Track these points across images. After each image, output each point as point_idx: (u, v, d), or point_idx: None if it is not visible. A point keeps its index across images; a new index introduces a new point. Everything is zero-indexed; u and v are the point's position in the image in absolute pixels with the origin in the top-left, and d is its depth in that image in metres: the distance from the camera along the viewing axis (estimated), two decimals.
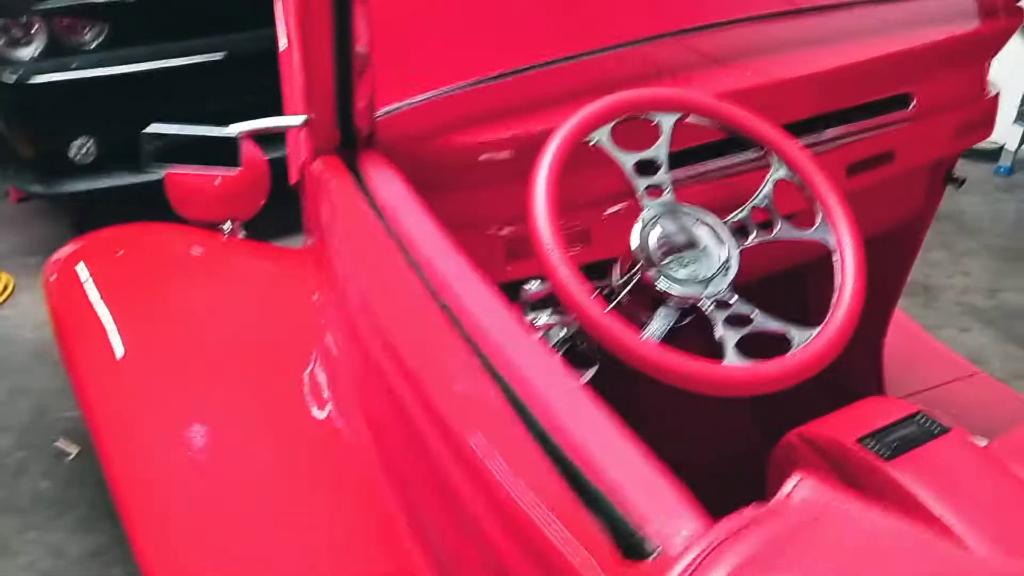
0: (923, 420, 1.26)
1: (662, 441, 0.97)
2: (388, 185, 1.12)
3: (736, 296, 1.12)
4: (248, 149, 1.31)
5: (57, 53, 3.15)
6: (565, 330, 1.23)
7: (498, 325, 0.87)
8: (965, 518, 1.07)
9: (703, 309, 1.11)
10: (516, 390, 0.81)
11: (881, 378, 2.10)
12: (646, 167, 1.17)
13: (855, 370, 1.95)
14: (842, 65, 1.41)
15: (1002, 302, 3.20)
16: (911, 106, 1.52)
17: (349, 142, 1.18)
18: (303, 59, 1.13)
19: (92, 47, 3.20)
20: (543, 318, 1.19)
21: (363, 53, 1.12)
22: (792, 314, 1.15)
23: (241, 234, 1.83)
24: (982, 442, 1.21)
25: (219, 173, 1.26)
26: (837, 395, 1.57)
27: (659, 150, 1.18)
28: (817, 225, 1.18)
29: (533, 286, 1.17)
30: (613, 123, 1.16)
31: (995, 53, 1.60)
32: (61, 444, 2.41)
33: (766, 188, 1.20)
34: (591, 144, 1.15)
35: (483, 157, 1.24)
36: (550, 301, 1.18)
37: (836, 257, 1.15)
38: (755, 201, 1.20)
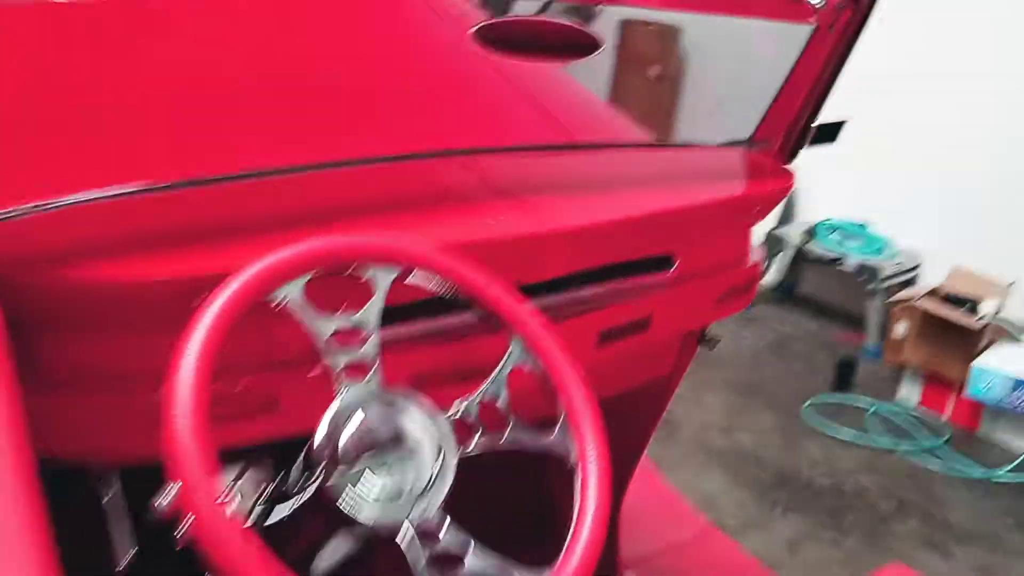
0: None
1: None
2: None
3: (447, 523, 0.85)
4: None
5: None
6: None
7: None
8: None
9: (400, 542, 0.84)
10: None
11: (616, 535, 1.92)
12: (349, 336, 0.90)
13: None
14: (600, 221, 1.21)
15: (736, 442, 3.20)
16: (672, 268, 1.35)
17: None
18: None
19: None
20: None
21: None
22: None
23: None
24: None
25: None
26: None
27: (368, 315, 0.91)
28: (557, 429, 0.95)
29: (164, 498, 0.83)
30: (308, 276, 0.88)
31: (762, 217, 1.48)
32: None
33: (499, 375, 0.96)
34: (275, 305, 0.86)
35: (137, 297, 0.92)
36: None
37: (577, 473, 0.92)
38: (484, 393, 0.95)
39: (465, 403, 0.93)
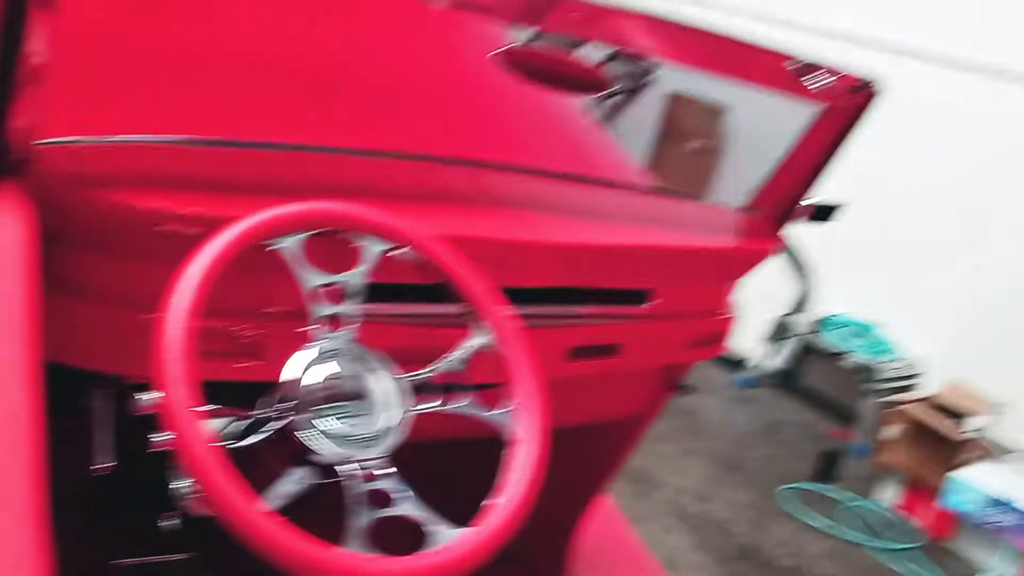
0: None
1: None
2: (8, 230, 0.89)
3: (391, 471, 0.96)
4: None
5: None
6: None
7: None
8: None
9: (343, 476, 0.94)
10: None
11: (563, 562, 2.00)
12: (333, 293, 1.01)
13: (541, 547, 1.84)
14: (589, 243, 1.32)
15: (708, 510, 3.26)
16: (647, 304, 1.45)
17: None
18: None
19: None
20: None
21: (38, 60, 0.91)
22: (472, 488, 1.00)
23: None
24: None
25: None
26: (519, 569, 1.43)
27: (354, 277, 1.02)
28: (502, 409, 1.05)
29: (145, 396, 0.93)
30: (306, 234, 1.00)
31: (744, 273, 1.58)
32: None
33: (461, 353, 1.07)
34: (268, 248, 0.98)
35: (162, 228, 1.04)
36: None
37: (511, 445, 1.02)
38: (443, 363, 1.05)
39: (425, 371, 1.04)
